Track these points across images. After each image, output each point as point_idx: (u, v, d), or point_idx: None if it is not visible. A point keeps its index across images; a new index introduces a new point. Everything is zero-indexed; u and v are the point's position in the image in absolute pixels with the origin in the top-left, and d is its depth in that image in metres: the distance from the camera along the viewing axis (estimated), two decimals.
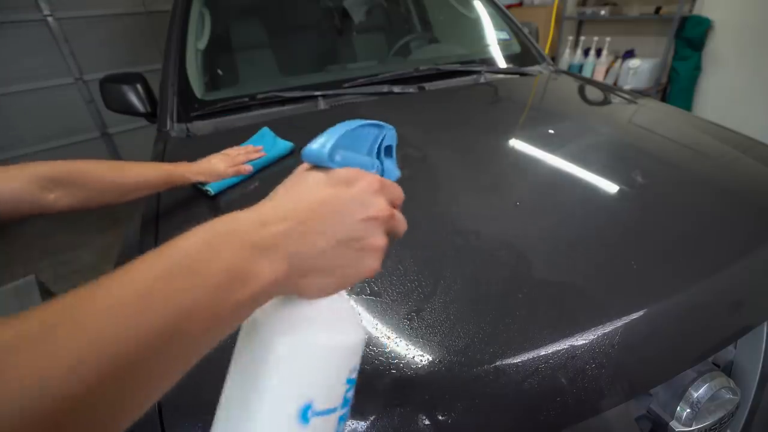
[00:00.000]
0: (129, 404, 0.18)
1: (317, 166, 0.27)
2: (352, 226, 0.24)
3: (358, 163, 0.29)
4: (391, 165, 0.33)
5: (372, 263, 0.25)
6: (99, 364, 0.16)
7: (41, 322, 0.16)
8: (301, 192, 0.25)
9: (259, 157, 0.82)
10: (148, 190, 0.67)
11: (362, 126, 0.30)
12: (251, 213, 0.23)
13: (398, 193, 0.28)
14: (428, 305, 0.49)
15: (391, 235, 0.28)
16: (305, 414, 0.23)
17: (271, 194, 0.26)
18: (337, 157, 0.28)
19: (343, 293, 0.27)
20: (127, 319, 0.17)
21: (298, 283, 0.23)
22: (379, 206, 0.25)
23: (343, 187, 0.25)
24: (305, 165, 0.28)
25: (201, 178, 0.73)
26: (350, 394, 0.26)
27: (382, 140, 0.32)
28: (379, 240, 0.25)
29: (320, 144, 0.28)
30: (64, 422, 0.15)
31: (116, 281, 0.18)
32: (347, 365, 0.25)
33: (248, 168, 0.79)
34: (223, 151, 0.80)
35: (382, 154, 0.32)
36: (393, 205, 0.28)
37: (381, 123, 0.31)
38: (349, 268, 0.24)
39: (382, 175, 0.32)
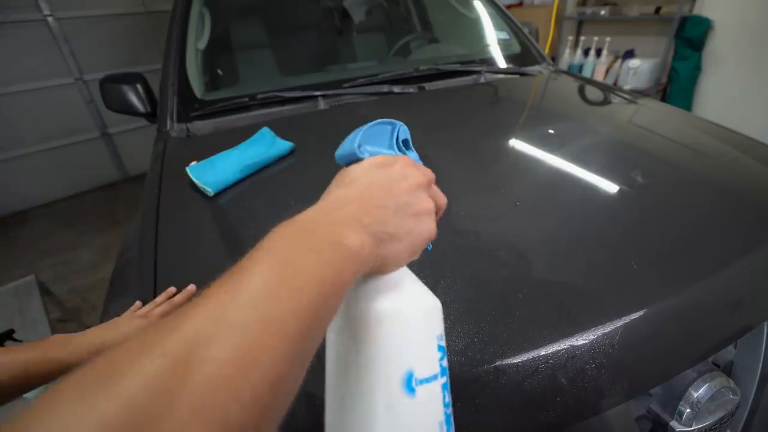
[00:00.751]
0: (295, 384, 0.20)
1: (351, 163, 0.30)
2: (400, 196, 0.27)
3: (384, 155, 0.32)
4: (414, 156, 0.36)
5: (427, 225, 0.28)
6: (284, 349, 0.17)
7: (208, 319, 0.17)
8: (350, 183, 0.27)
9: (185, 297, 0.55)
10: None
11: (376, 124, 0.33)
12: (312, 210, 0.25)
13: (429, 172, 0.31)
14: None
15: (435, 207, 0.30)
16: (410, 382, 0.24)
17: (323, 196, 0.28)
18: (365, 151, 0.31)
19: (408, 270, 0.30)
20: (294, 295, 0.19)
21: (380, 251, 0.25)
22: (418, 176, 0.29)
23: (383, 168, 0.28)
24: (342, 170, 0.30)
25: None
26: (444, 362, 0.27)
27: (398, 134, 0.35)
28: (426, 203, 0.28)
29: (348, 143, 0.32)
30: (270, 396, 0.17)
31: (263, 272, 0.19)
32: (434, 330, 0.27)
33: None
34: (130, 311, 0.52)
35: (402, 147, 0.35)
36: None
37: (391, 120, 0.35)
38: (412, 232, 0.27)
39: None
